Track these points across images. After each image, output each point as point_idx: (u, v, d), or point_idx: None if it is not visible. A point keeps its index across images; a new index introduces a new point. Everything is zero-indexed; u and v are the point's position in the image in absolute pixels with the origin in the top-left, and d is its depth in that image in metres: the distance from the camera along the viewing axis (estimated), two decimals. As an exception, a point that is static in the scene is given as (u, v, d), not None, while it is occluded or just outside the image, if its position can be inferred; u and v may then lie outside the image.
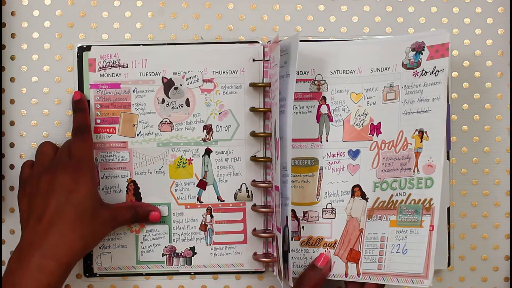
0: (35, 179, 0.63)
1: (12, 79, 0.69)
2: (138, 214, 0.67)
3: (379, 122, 0.66)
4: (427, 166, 0.62)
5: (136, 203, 0.68)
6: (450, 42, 0.62)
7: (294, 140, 0.66)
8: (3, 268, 0.70)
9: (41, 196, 0.62)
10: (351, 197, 0.66)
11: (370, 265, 0.64)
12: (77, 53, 0.68)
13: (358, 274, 0.64)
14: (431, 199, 0.61)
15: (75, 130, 0.66)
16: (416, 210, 0.62)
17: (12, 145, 0.70)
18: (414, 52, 0.64)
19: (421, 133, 0.63)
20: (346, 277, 0.65)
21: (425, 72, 0.63)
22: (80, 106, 0.67)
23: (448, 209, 0.69)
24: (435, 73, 0.63)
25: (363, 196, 0.66)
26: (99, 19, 0.70)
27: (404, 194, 0.63)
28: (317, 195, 0.67)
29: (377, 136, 0.66)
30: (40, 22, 0.69)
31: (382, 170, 0.65)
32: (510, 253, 0.70)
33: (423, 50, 0.64)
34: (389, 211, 0.64)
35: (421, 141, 0.63)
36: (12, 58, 0.69)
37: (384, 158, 0.65)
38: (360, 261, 0.65)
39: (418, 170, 0.62)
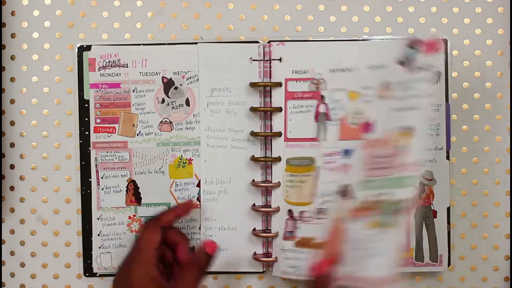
0: None
1: (12, 79, 0.69)
2: (201, 262, 0.61)
3: (373, 121, 0.65)
4: (408, 164, 0.58)
5: (191, 260, 0.61)
6: (444, 40, 0.68)
7: (293, 139, 0.67)
8: (3, 268, 0.70)
9: None
10: (341, 197, 0.64)
11: (349, 268, 0.58)
12: (77, 53, 0.68)
13: (341, 277, 0.58)
14: (406, 199, 0.57)
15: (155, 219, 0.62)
16: (389, 211, 0.57)
17: (12, 145, 0.70)
18: (409, 49, 0.63)
19: (408, 130, 0.58)
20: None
21: (417, 68, 0.60)
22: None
23: (448, 209, 0.69)
24: (426, 70, 0.60)
25: (352, 196, 0.62)
26: (99, 19, 0.70)
27: (387, 193, 0.58)
28: (313, 195, 0.67)
29: (369, 134, 0.65)
30: (40, 22, 0.69)
31: (369, 169, 0.61)
32: (510, 253, 0.70)
33: (417, 46, 0.63)
34: (369, 211, 0.58)
35: (407, 140, 0.58)
36: (12, 58, 0.69)
37: (372, 157, 0.64)
38: (342, 263, 0.58)
39: (400, 169, 0.58)
